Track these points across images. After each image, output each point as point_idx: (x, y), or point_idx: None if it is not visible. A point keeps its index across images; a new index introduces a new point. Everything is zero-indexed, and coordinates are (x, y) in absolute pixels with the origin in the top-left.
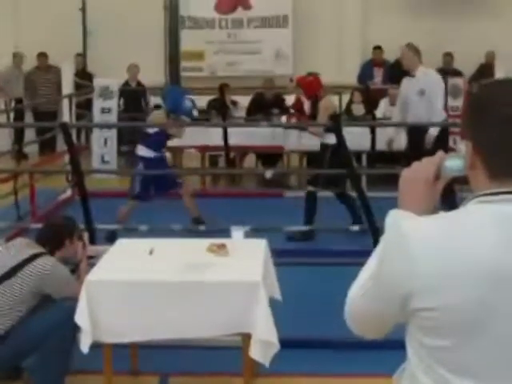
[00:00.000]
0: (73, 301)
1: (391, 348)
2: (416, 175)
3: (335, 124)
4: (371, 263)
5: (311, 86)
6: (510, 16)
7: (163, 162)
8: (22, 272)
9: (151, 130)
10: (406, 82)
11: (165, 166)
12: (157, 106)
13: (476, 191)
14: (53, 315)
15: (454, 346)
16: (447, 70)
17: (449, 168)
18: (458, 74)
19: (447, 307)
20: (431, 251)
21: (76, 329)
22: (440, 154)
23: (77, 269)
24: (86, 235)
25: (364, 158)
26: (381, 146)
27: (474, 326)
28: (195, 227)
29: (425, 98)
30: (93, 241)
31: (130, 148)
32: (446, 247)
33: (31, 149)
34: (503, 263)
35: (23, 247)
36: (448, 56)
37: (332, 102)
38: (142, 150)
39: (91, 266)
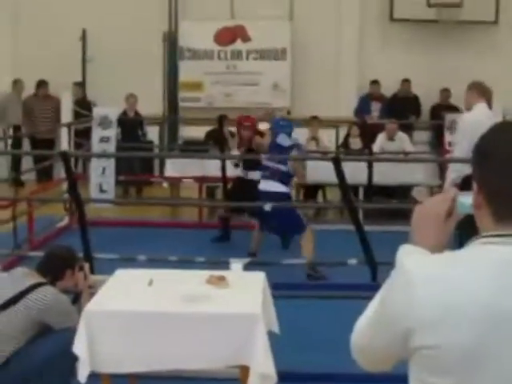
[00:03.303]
0: (72, 331)
1: (392, 382)
2: (428, 211)
3: (335, 159)
4: (378, 297)
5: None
6: (509, 53)
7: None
8: (23, 302)
9: (285, 169)
10: None
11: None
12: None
13: (482, 231)
14: (52, 345)
15: None
16: (444, 106)
17: (462, 205)
18: (455, 109)
19: (447, 346)
20: (432, 290)
21: (75, 359)
22: (453, 190)
23: (77, 298)
24: (86, 266)
25: (361, 191)
26: (378, 179)
27: (475, 364)
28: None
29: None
30: (91, 270)
31: (127, 177)
32: (447, 286)
33: (28, 176)
34: (503, 304)
35: (24, 277)
36: (445, 92)
37: None
38: (275, 186)
39: (91, 296)
